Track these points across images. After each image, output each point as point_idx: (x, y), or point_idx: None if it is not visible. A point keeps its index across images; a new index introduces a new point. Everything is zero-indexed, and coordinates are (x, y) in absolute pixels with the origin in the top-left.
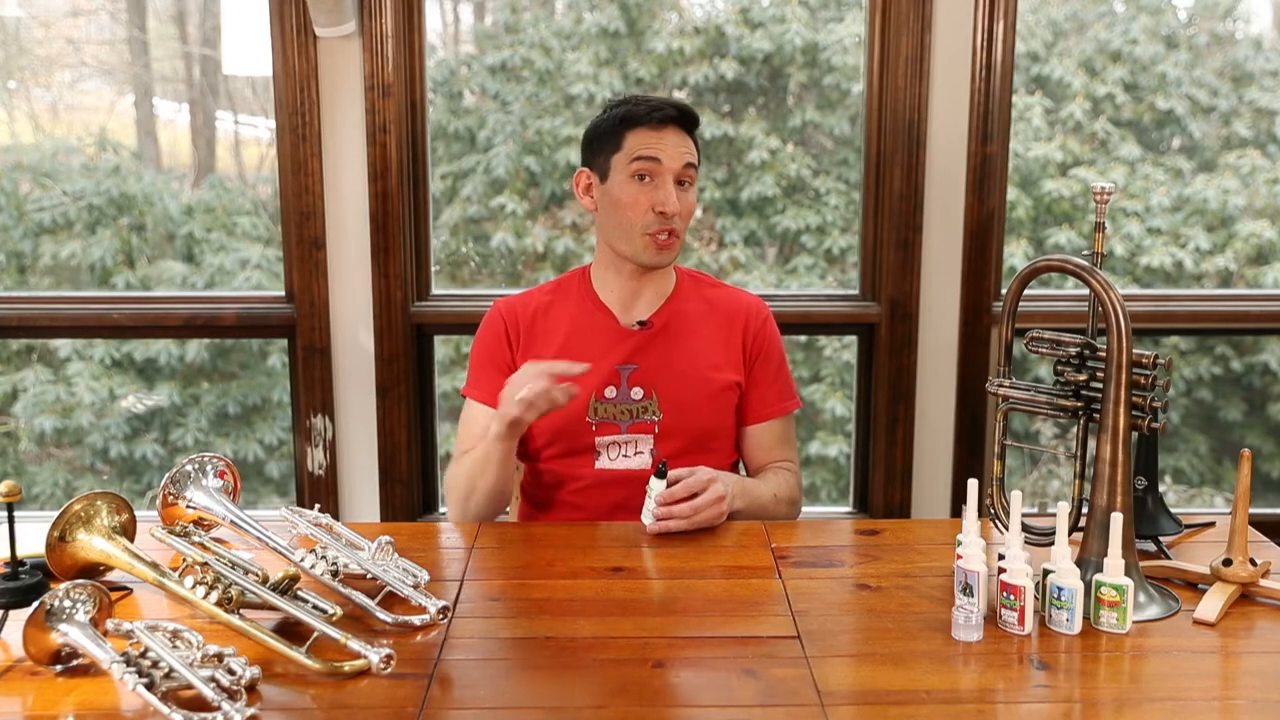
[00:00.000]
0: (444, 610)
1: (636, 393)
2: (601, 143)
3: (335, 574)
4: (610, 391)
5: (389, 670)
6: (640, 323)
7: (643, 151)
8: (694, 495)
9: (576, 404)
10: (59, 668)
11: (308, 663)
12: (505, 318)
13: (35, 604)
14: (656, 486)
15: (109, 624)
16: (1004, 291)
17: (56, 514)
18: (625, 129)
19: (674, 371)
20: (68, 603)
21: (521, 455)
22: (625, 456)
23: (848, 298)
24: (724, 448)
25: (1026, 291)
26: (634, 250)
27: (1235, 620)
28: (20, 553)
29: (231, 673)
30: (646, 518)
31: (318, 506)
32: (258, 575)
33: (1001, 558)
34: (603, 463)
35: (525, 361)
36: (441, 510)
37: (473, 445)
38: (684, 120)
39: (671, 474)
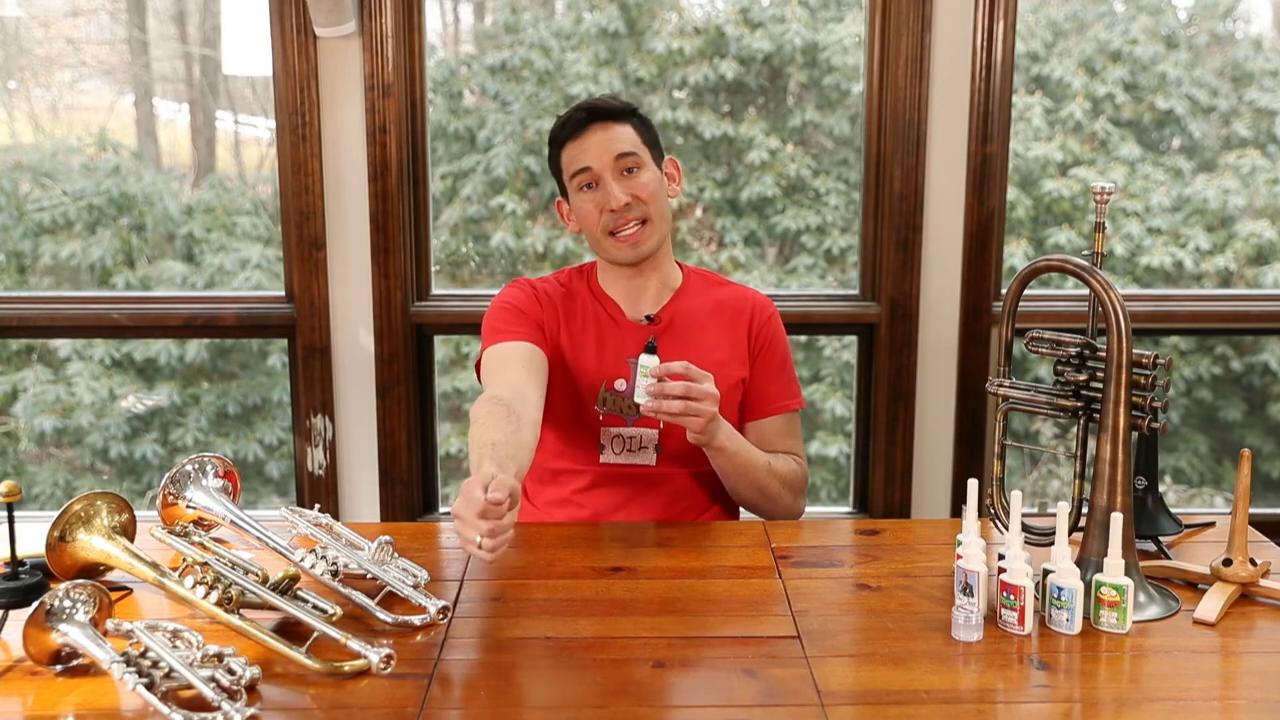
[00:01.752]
0: (444, 610)
1: None
2: (553, 171)
3: (335, 574)
4: (620, 384)
5: (389, 670)
6: (648, 317)
7: (573, 167)
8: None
9: (587, 391)
10: (59, 668)
11: (308, 663)
12: (536, 288)
13: (35, 604)
14: (649, 362)
15: (109, 624)
16: (1004, 291)
17: (56, 514)
18: (558, 151)
19: None
20: (68, 603)
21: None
22: (630, 451)
23: (848, 298)
24: None
25: (1026, 291)
26: (609, 255)
27: (1235, 620)
28: (20, 553)
29: (231, 673)
30: (640, 395)
31: (318, 506)
32: (258, 575)
33: (1001, 558)
34: (607, 457)
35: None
36: (442, 510)
37: (498, 384)
38: (599, 115)
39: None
